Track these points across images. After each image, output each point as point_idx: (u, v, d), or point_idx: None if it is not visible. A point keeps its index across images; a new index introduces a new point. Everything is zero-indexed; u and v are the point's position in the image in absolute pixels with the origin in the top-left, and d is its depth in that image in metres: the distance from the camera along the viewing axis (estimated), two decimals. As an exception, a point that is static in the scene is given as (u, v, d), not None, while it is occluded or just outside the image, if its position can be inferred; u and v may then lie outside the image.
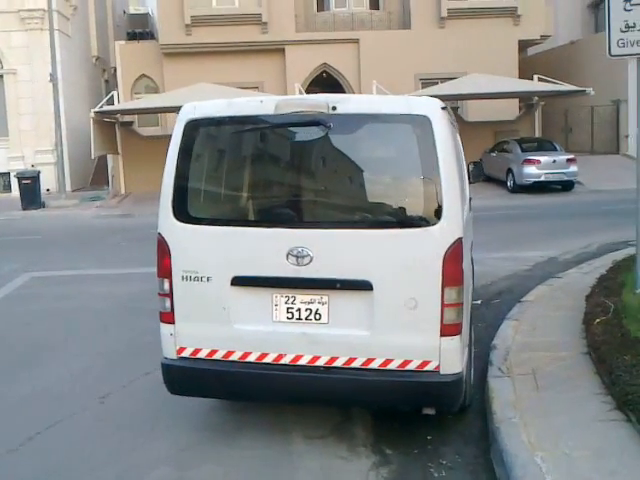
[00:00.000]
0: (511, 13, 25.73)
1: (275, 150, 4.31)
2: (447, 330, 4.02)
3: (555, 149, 20.70)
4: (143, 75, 26.23)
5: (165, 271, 4.34)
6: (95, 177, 27.58)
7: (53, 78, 22.13)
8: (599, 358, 5.02)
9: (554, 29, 28.44)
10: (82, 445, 4.64)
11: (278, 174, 4.36)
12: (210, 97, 18.72)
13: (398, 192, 4.13)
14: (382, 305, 4.03)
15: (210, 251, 4.26)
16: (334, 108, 4.04)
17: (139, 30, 33.86)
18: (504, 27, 25.77)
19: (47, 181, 22.89)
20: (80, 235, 15.73)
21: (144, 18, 37.61)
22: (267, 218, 4.25)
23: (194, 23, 24.60)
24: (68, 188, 24.01)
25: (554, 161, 19.71)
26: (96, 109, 20.92)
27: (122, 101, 23.63)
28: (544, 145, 21.17)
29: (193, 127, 4.27)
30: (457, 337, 4.07)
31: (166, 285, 4.35)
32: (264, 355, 4.23)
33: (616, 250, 10.72)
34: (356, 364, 4.11)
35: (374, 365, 4.10)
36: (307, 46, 25.43)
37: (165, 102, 20.84)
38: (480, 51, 24.92)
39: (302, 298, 4.16)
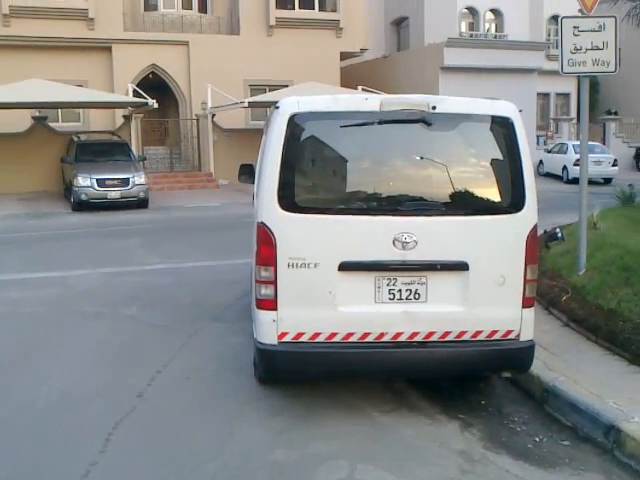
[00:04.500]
0: (334, 26, 27.28)
1: (380, 143, 4.63)
2: (527, 302, 4.68)
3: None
4: (-52, 66, 23.75)
5: (268, 259, 4.47)
6: None
7: None
8: (591, 328, 5.94)
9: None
10: (172, 441, 4.55)
11: (382, 166, 4.68)
12: (45, 93, 17.67)
13: (489, 183, 4.69)
14: (476, 283, 4.57)
15: (318, 239, 4.49)
16: (434, 107, 4.49)
17: None
18: (327, 38, 27.25)
19: None
20: None
21: None
22: (374, 207, 4.56)
23: (13, 14, 22.82)
24: None
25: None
26: None
27: None
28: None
29: (298, 120, 4.47)
30: (533, 308, 4.74)
31: (268, 273, 4.49)
32: (367, 334, 4.55)
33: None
34: (450, 337, 4.61)
35: (466, 337, 4.62)
36: (135, 46, 24.79)
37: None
38: (305, 60, 26.14)
39: (403, 280, 4.55)
